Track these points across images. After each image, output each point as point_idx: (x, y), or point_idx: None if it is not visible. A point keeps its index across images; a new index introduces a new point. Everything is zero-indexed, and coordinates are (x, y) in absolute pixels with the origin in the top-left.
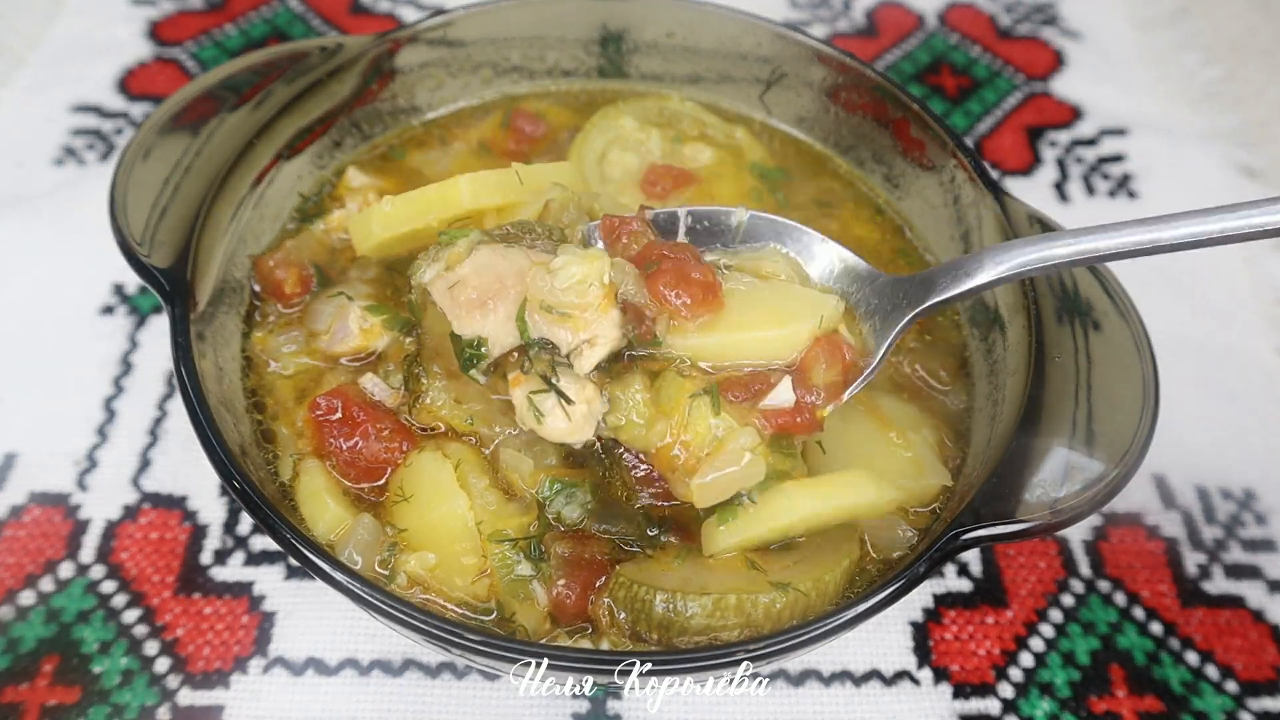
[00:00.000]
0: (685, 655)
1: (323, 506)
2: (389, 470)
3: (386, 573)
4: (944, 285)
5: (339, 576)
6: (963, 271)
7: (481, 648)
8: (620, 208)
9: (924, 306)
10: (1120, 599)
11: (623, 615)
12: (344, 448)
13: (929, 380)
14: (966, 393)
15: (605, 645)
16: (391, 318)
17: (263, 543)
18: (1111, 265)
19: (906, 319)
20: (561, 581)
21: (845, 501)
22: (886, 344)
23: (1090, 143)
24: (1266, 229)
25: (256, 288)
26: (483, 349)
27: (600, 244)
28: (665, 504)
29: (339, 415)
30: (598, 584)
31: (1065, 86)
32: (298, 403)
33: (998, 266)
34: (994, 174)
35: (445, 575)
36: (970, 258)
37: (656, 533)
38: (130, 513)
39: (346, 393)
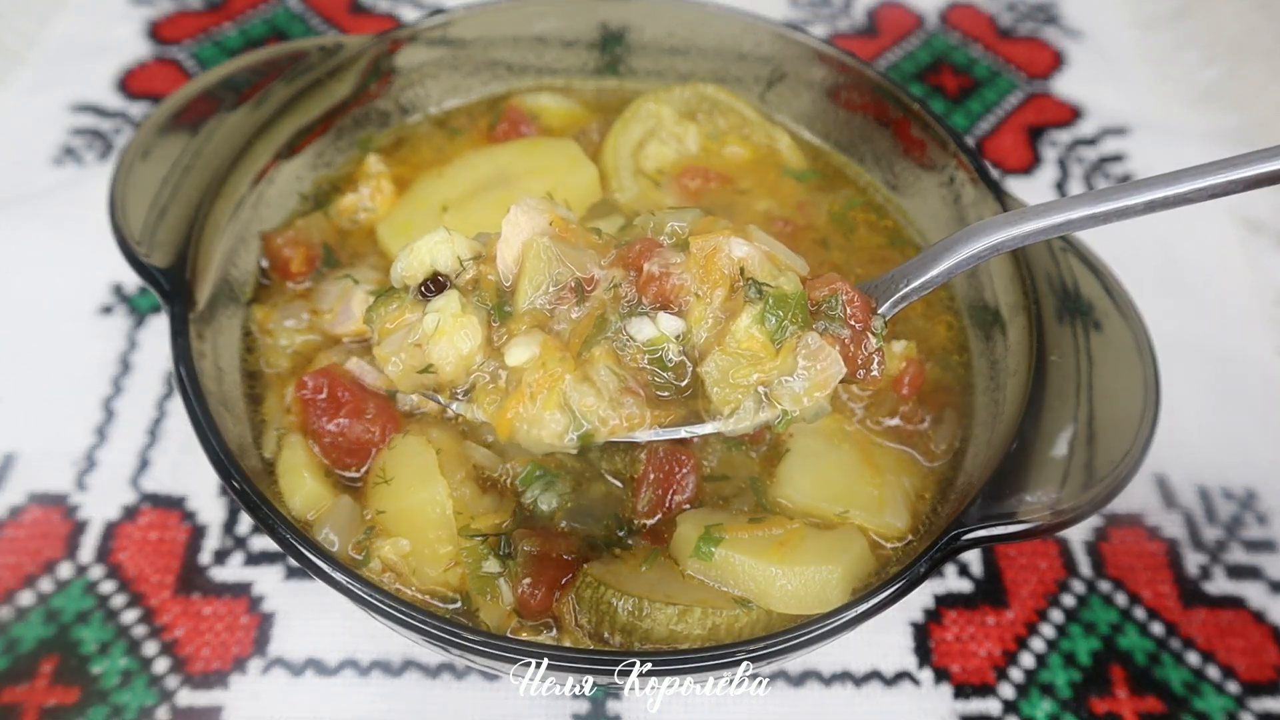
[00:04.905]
0: (686, 655)
1: (300, 481)
2: (372, 453)
3: (361, 556)
4: (913, 276)
5: (339, 577)
6: (931, 259)
7: (481, 648)
8: (652, 203)
9: (894, 299)
10: (1121, 599)
11: (586, 616)
12: (328, 428)
13: (927, 443)
14: (953, 445)
15: (568, 643)
16: None
17: (262, 543)
18: (1112, 266)
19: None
20: (527, 580)
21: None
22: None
23: (1091, 142)
24: (1228, 186)
25: (265, 264)
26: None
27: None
28: (653, 518)
29: (325, 395)
30: (563, 581)
31: (1066, 86)
32: (289, 379)
33: (970, 248)
34: (995, 174)
35: (418, 562)
36: (940, 245)
37: (625, 533)
38: (129, 513)
39: (333, 373)
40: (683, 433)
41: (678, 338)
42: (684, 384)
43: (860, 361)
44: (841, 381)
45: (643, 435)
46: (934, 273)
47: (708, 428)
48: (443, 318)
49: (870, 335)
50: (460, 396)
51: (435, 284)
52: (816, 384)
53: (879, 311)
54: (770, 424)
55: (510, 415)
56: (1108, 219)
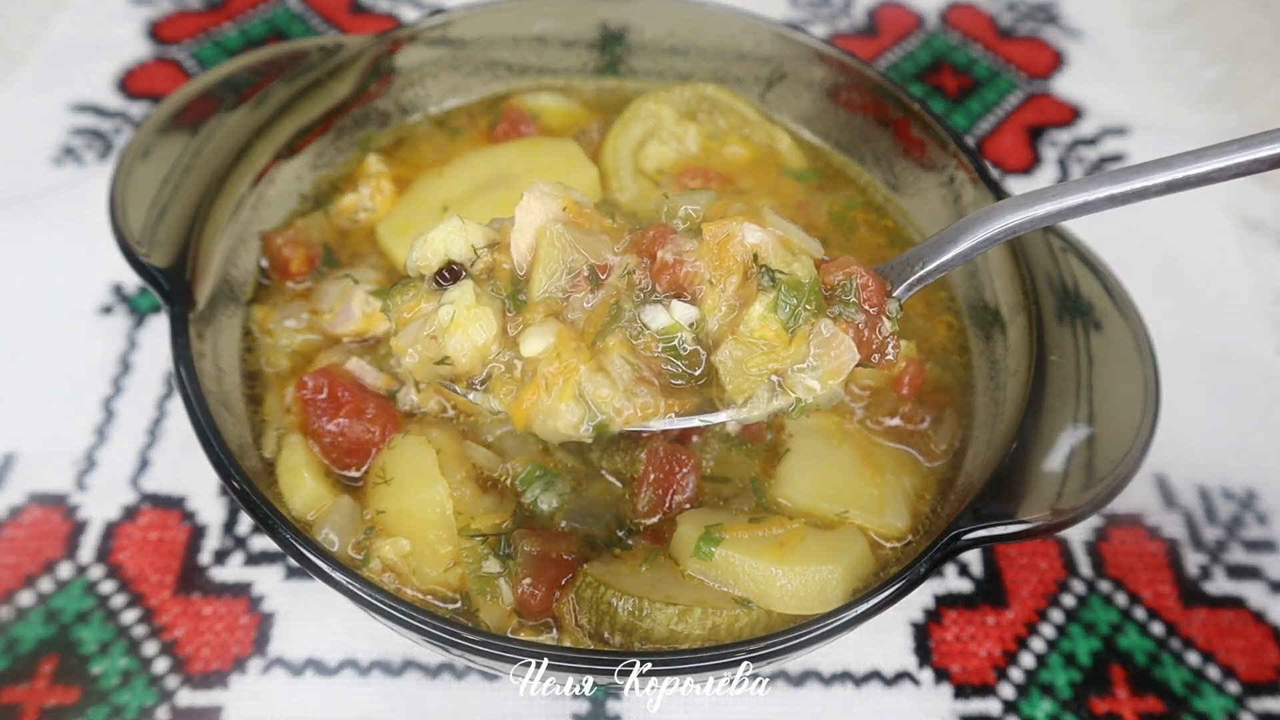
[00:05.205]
0: (686, 655)
1: (300, 481)
2: (372, 453)
3: (361, 556)
4: (929, 258)
5: (339, 577)
6: (948, 241)
7: (481, 648)
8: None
9: (909, 282)
10: (1121, 599)
11: (586, 616)
12: (328, 428)
13: (927, 443)
14: (953, 444)
15: (568, 643)
16: None
17: (262, 543)
18: (1112, 265)
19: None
20: (527, 580)
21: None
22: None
23: (1091, 142)
24: (1245, 166)
25: (265, 264)
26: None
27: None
28: (653, 517)
29: (325, 395)
30: (563, 581)
31: (1066, 86)
32: (289, 379)
33: (987, 230)
34: (995, 174)
35: (418, 562)
36: (957, 227)
37: (625, 533)
38: (129, 513)
39: (333, 373)
40: (697, 421)
41: (691, 326)
42: (698, 372)
43: (875, 346)
44: (856, 365)
45: (658, 424)
46: (950, 255)
47: (722, 416)
48: (457, 310)
49: (885, 319)
50: (478, 386)
51: (450, 272)
52: (830, 371)
53: (894, 295)
54: (785, 411)
55: (526, 406)
56: (1126, 200)
